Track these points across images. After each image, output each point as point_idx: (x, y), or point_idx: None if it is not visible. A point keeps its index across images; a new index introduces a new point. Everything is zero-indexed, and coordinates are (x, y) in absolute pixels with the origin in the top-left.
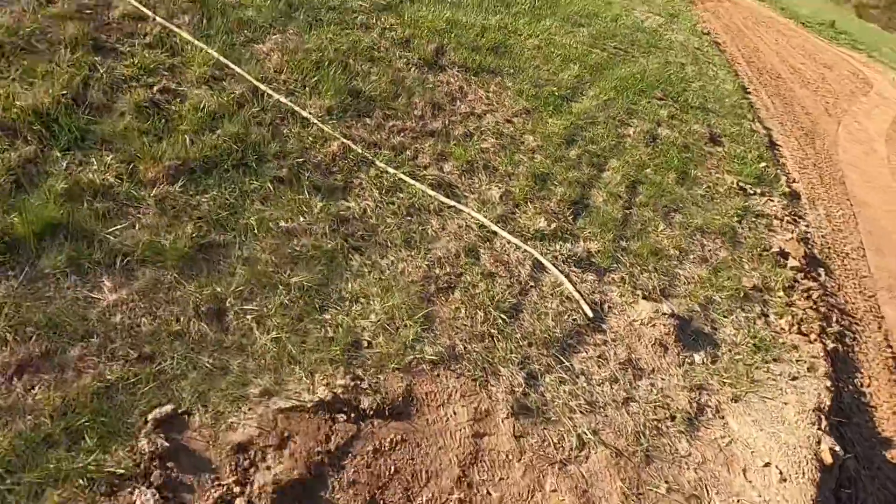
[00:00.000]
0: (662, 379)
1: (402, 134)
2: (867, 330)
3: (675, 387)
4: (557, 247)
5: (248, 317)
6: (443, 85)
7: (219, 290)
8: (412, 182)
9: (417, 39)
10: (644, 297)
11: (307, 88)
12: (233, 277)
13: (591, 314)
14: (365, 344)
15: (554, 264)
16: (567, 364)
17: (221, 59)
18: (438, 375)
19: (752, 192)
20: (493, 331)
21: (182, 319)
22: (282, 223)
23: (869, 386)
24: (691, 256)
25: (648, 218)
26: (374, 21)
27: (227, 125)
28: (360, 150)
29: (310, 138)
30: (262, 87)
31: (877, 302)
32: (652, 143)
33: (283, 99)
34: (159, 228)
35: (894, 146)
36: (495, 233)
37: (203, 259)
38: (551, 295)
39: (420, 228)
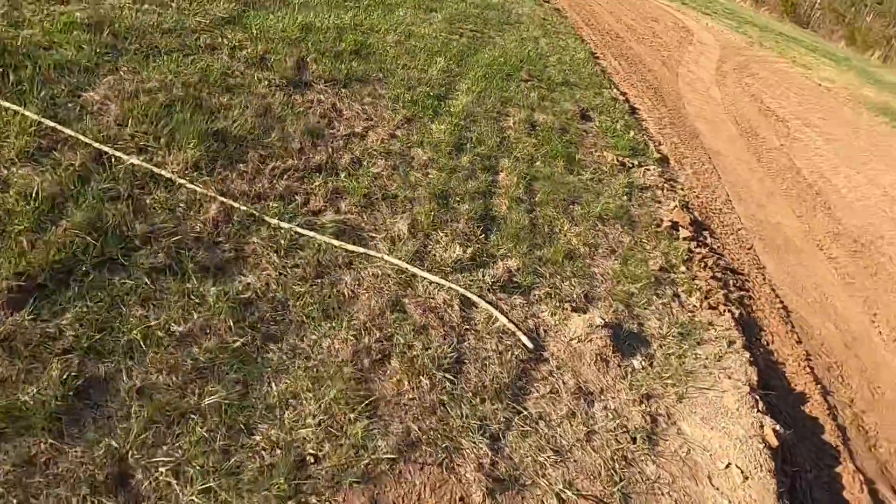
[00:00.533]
0: (612, 398)
1: (286, 176)
2: (756, 285)
3: (626, 403)
4: (479, 275)
5: (162, 470)
6: (314, 106)
7: (114, 444)
8: (312, 235)
9: (274, 55)
10: (574, 310)
11: (162, 140)
12: (129, 422)
13: (530, 345)
14: (311, 460)
15: (482, 296)
16: (524, 411)
17: (44, 120)
18: (401, 473)
19: (630, 165)
20: (442, 397)
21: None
22: (174, 327)
23: (773, 343)
24: (600, 250)
25: (552, 217)
26: (220, 39)
27: (74, 211)
28: (244, 208)
29: (181, 205)
30: (107, 148)
31: (755, 254)
32: (532, 131)
33: (136, 160)
34: (14, 381)
35: (725, 90)
36: (415, 275)
37: (84, 407)
38: (488, 334)
39: (335, 291)
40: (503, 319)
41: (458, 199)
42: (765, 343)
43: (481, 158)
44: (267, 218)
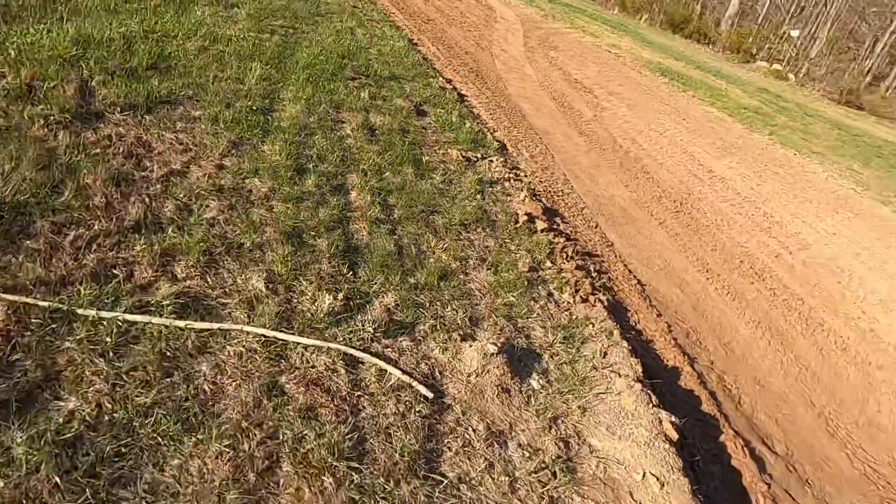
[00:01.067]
0: (523, 430)
1: (94, 246)
2: (611, 265)
3: (537, 434)
4: (358, 323)
5: None
6: (114, 143)
7: None
8: (146, 320)
9: (45, 82)
10: (463, 339)
11: None
12: None
13: (430, 395)
14: None
15: (367, 350)
16: (443, 479)
17: None
18: None
19: (474, 158)
20: (352, 494)
21: None
22: None
23: (639, 322)
24: (471, 262)
25: (416, 233)
26: None
27: None
28: (43, 303)
29: None
30: None
31: (602, 231)
32: (373, 137)
33: None
34: None
35: (537, 66)
36: (286, 342)
37: None
38: (383, 394)
39: (192, 390)
40: (396, 373)
41: (313, 233)
42: (633, 324)
43: (327, 178)
44: (79, 311)
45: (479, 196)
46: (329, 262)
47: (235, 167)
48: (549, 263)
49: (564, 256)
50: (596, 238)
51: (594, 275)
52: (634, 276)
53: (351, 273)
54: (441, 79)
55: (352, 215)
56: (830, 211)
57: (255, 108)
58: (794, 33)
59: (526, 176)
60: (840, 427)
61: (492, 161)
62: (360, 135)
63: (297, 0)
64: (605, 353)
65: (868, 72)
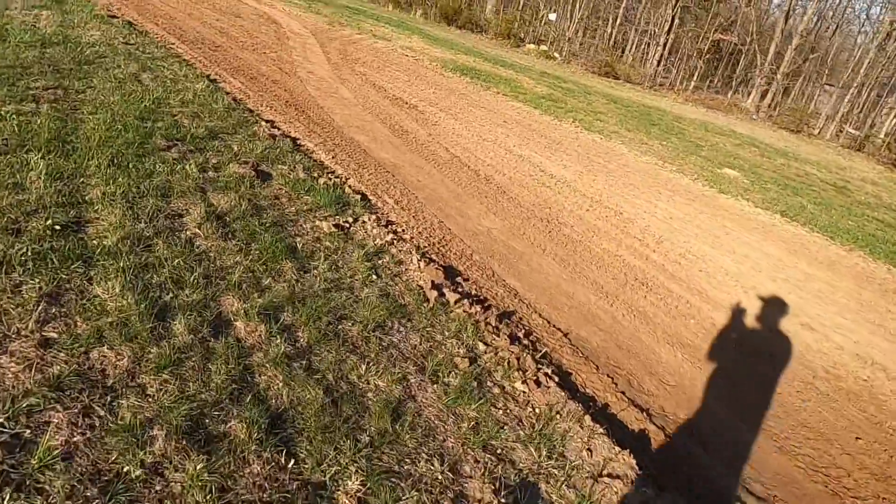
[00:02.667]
0: None
1: None
2: (526, 317)
3: None
4: None
5: None
6: None
7: None
8: None
9: None
10: (456, 502)
11: None
12: None
13: None
14: None
15: None
16: None
17: None
18: None
19: (346, 225)
20: None
21: None
22: None
23: (586, 385)
24: (411, 379)
25: (338, 361)
26: None
27: None
28: None
29: None
30: None
31: (501, 278)
32: (226, 229)
33: None
34: None
35: (351, 86)
36: None
37: None
38: None
39: None
40: None
41: (218, 415)
42: (584, 391)
43: (198, 313)
44: None
45: (374, 277)
46: (259, 458)
47: (66, 337)
48: (482, 346)
49: (490, 329)
50: (500, 290)
51: (525, 342)
52: (553, 326)
53: (292, 461)
54: (264, 123)
55: (252, 362)
56: (655, 193)
57: (56, 227)
58: (552, 16)
59: (404, 231)
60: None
61: (364, 223)
62: (210, 230)
63: (51, 46)
64: (590, 450)
65: (614, 43)
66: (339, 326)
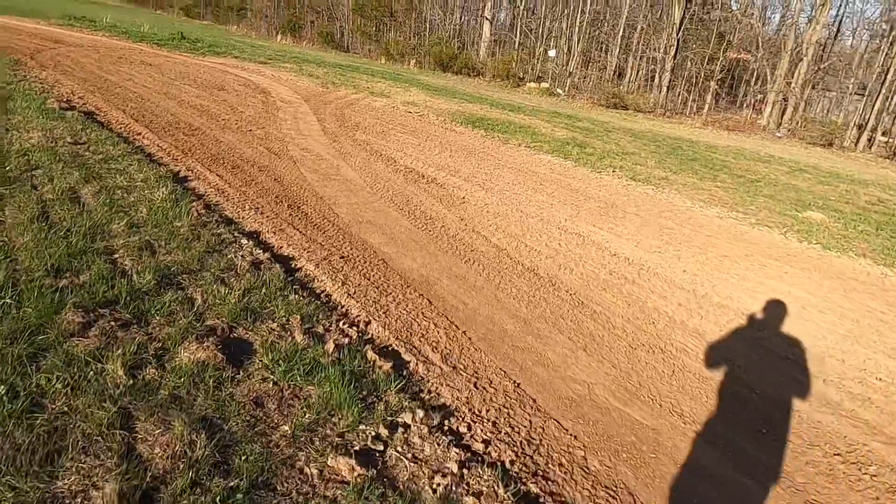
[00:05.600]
0: None
1: None
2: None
3: None
4: None
5: None
6: None
7: None
8: None
9: None
10: None
11: None
12: None
13: None
14: None
15: None
16: None
17: None
18: None
19: (377, 450)
20: None
21: None
22: None
23: None
24: None
25: None
26: None
27: None
28: None
29: None
30: None
31: (634, 496)
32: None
33: None
34: None
35: (353, 161)
36: None
37: None
38: None
39: None
40: None
41: None
42: None
43: None
44: None
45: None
46: None
47: None
48: None
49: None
50: None
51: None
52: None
53: None
54: (245, 241)
55: None
56: (758, 267)
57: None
58: (552, 53)
59: (472, 430)
60: None
61: (408, 430)
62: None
63: None
64: None
65: (617, 73)
66: None
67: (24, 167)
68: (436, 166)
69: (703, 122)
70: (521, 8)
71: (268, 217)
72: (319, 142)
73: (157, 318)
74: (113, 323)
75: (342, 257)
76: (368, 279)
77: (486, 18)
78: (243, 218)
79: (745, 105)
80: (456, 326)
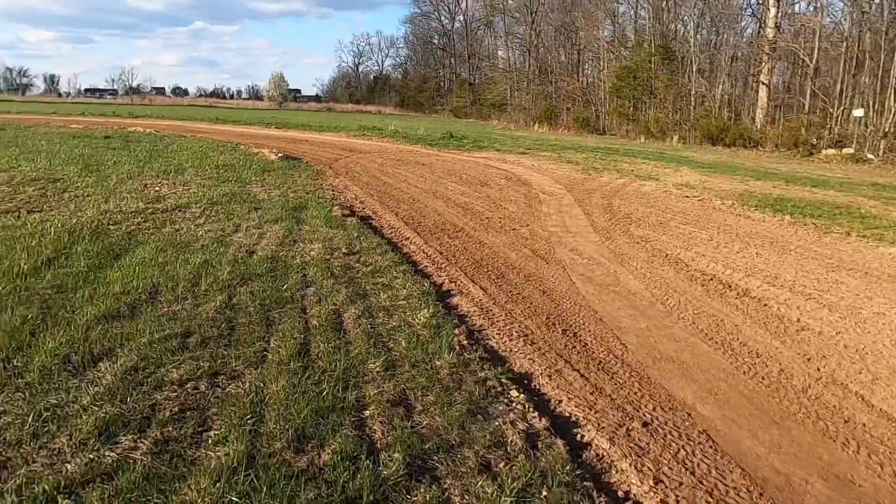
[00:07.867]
0: None
1: None
2: None
3: None
4: None
5: None
6: None
7: None
8: None
9: None
10: None
11: None
12: None
13: None
14: None
15: None
16: None
17: None
18: None
19: None
20: None
21: None
22: None
23: None
24: None
25: None
26: None
27: None
28: None
29: None
30: None
31: None
32: None
33: None
34: None
35: (633, 266)
36: None
37: None
38: None
39: None
40: None
41: None
42: None
43: None
44: None
45: None
46: None
47: None
48: None
49: None
50: None
51: None
52: None
53: None
54: (515, 393)
55: None
56: None
57: None
58: (858, 112)
59: None
60: None
61: None
62: None
63: (249, 282)
64: None
65: None
66: None
67: (299, 285)
68: (743, 270)
69: None
70: (812, 67)
71: (539, 350)
72: (589, 240)
73: None
74: None
75: (644, 424)
76: (692, 473)
77: (763, 83)
78: (511, 351)
79: None
80: None
